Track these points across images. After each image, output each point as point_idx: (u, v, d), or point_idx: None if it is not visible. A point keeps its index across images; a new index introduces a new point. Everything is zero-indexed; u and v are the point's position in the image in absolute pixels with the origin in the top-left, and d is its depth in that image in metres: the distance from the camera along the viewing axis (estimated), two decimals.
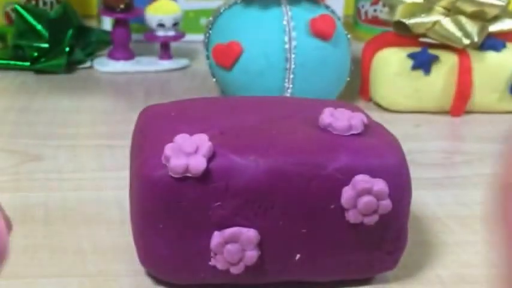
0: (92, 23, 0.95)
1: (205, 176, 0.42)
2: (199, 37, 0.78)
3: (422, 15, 0.73)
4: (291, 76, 0.68)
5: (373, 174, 0.43)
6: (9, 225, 0.25)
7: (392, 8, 0.75)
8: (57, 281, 0.46)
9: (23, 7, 0.85)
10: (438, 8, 0.74)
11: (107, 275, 0.47)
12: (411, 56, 0.73)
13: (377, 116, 0.60)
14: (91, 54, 0.86)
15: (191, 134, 0.43)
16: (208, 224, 0.42)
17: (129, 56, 0.85)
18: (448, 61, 0.73)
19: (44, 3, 0.94)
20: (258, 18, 0.70)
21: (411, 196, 0.45)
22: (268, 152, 0.43)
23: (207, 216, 0.42)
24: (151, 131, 0.46)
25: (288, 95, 0.69)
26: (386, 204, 0.43)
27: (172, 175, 0.42)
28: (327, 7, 0.72)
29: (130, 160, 0.46)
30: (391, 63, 0.74)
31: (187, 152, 0.42)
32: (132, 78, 0.82)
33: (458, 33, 0.72)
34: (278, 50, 0.68)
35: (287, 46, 0.68)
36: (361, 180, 0.42)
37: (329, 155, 0.43)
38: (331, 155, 0.43)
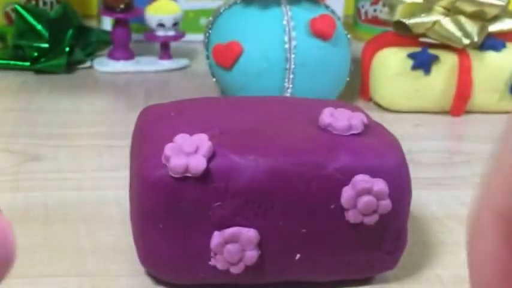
0: (92, 23, 0.95)
1: (205, 176, 0.42)
2: (199, 37, 0.78)
3: (422, 15, 0.73)
4: (291, 76, 0.68)
5: (373, 174, 0.43)
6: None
7: (392, 8, 0.75)
8: (57, 281, 0.46)
9: (23, 7, 0.85)
10: (438, 8, 0.74)
11: (106, 274, 0.47)
12: (411, 56, 0.73)
13: (377, 116, 0.60)
14: (91, 54, 0.86)
15: (191, 134, 0.43)
16: (208, 224, 0.42)
17: (129, 56, 0.85)
18: (448, 61, 0.73)
19: (44, 3, 0.94)
20: (257, 18, 0.70)
21: (411, 196, 0.45)
22: (268, 152, 0.43)
23: (207, 216, 0.42)
24: (151, 131, 0.46)
25: (288, 95, 0.69)
26: (386, 204, 0.43)
27: (172, 175, 0.42)
28: (327, 7, 0.73)
29: (130, 160, 0.46)
30: (391, 63, 0.74)
31: (187, 152, 0.42)
32: (132, 78, 0.82)
33: (458, 33, 0.72)
34: (278, 50, 0.68)
35: (287, 46, 0.68)
36: (361, 180, 0.42)
37: (329, 155, 0.43)
38: (331, 155, 0.43)
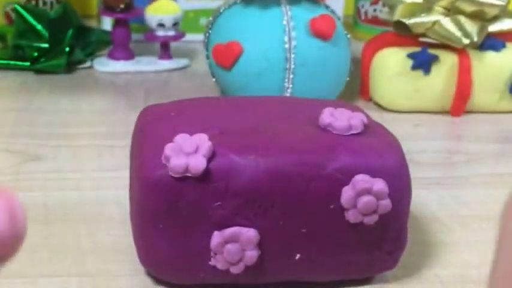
0: (92, 23, 0.95)
1: (205, 175, 0.42)
2: (199, 37, 0.78)
3: (422, 15, 0.73)
4: (291, 76, 0.68)
5: (373, 174, 0.43)
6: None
7: (392, 8, 0.75)
8: (57, 281, 0.46)
9: (23, 7, 0.85)
10: (438, 8, 0.74)
11: (106, 274, 0.47)
12: (411, 55, 0.73)
13: (377, 116, 0.60)
14: (91, 54, 0.86)
15: (191, 134, 0.43)
16: (208, 224, 0.43)
17: (129, 56, 0.85)
18: (447, 61, 0.73)
19: (44, 3, 0.94)
20: (257, 18, 0.70)
21: (411, 196, 0.45)
22: (268, 152, 0.43)
23: (207, 216, 0.42)
24: (151, 131, 0.46)
25: (288, 95, 0.69)
26: (386, 204, 0.43)
27: (172, 175, 0.42)
28: (327, 7, 0.73)
29: (130, 160, 0.46)
30: (391, 63, 0.74)
31: (187, 152, 0.42)
32: (132, 78, 0.82)
33: (458, 33, 0.72)
34: (278, 50, 0.68)
35: (287, 46, 0.68)
36: (361, 180, 0.42)
37: (329, 154, 0.43)
38: (331, 155, 0.43)
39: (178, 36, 0.83)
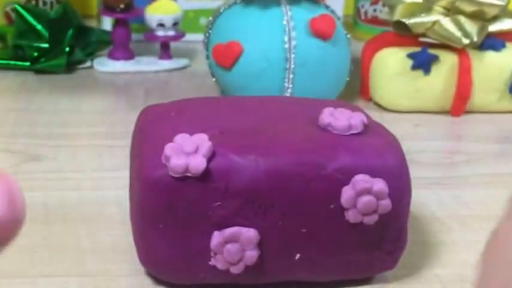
0: (92, 23, 0.95)
1: (205, 175, 0.42)
2: (199, 37, 0.78)
3: (422, 15, 0.73)
4: (291, 76, 0.68)
5: (373, 174, 0.43)
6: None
7: (392, 8, 0.75)
8: (57, 281, 0.46)
9: (23, 7, 0.85)
10: (438, 8, 0.74)
11: (106, 274, 0.47)
12: (411, 55, 0.73)
13: (377, 116, 0.60)
14: (91, 54, 0.86)
15: (191, 134, 0.43)
16: (208, 224, 0.43)
17: (129, 56, 0.85)
18: (447, 61, 0.73)
19: (44, 3, 0.94)
20: (257, 18, 0.70)
21: (411, 196, 0.45)
22: (268, 152, 0.43)
23: (207, 216, 0.42)
24: (151, 131, 0.46)
25: (288, 95, 0.69)
26: (386, 204, 0.43)
27: (173, 175, 0.42)
28: (327, 7, 0.73)
29: (130, 160, 0.46)
30: (391, 63, 0.74)
31: (187, 152, 0.42)
32: (132, 78, 0.82)
33: (458, 33, 0.72)
34: (278, 50, 0.68)
35: (287, 46, 0.68)
36: (361, 180, 0.42)
37: (329, 154, 0.43)
38: (331, 155, 0.43)
39: (178, 36, 0.83)
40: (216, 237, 0.42)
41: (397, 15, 0.74)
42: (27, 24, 0.83)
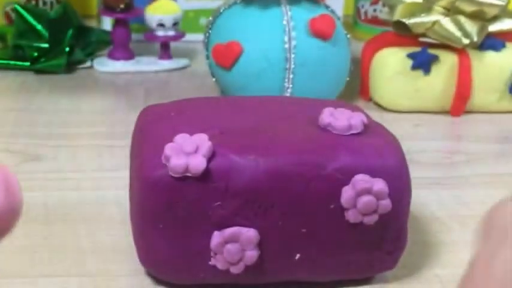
0: (92, 23, 0.95)
1: (205, 175, 0.42)
2: (199, 37, 0.78)
3: (422, 15, 0.73)
4: (291, 76, 0.68)
5: (373, 174, 0.43)
6: None
7: (392, 8, 0.75)
8: (57, 281, 0.46)
9: (23, 7, 0.85)
10: (438, 8, 0.74)
11: (106, 274, 0.47)
12: (411, 55, 0.73)
13: (377, 116, 0.60)
14: (91, 54, 0.86)
15: (191, 134, 0.43)
16: (208, 224, 0.43)
17: (129, 56, 0.85)
18: (447, 61, 0.73)
19: (44, 3, 0.94)
20: (257, 18, 0.70)
21: (411, 196, 0.45)
22: (268, 152, 0.43)
23: (207, 216, 0.42)
24: (151, 131, 0.46)
25: (288, 95, 0.69)
26: (386, 203, 0.43)
27: (173, 175, 0.42)
28: (327, 7, 0.73)
29: (130, 160, 0.46)
30: (391, 63, 0.74)
31: (187, 152, 0.42)
32: (132, 78, 0.82)
33: (458, 33, 0.72)
34: (278, 50, 0.68)
35: (287, 46, 0.68)
36: (361, 180, 0.42)
37: (329, 154, 0.43)
38: (331, 155, 0.43)
39: (178, 36, 0.83)
40: (216, 237, 0.42)
41: (397, 15, 0.74)
42: (27, 24, 0.83)
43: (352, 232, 0.44)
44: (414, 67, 0.72)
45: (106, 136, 0.67)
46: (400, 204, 0.44)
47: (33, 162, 0.62)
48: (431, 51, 0.73)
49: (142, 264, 0.45)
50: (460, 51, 0.73)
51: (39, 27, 0.83)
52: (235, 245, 0.42)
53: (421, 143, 0.68)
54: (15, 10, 0.84)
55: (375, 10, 0.95)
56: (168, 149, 0.42)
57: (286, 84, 0.69)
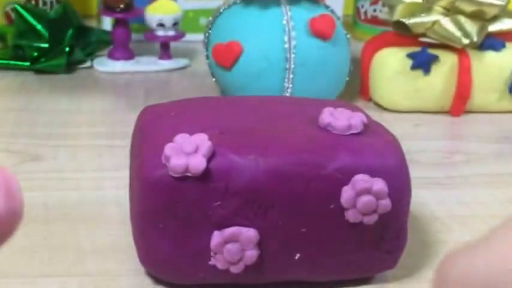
0: (92, 23, 0.95)
1: (205, 175, 0.42)
2: (199, 37, 0.78)
3: (422, 15, 0.73)
4: (291, 76, 0.68)
5: (373, 173, 0.43)
6: None
7: (391, 8, 0.75)
8: (57, 281, 0.46)
9: (23, 7, 0.85)
10: (437, 8, 0.74)
11: (106, 274, 0.47)
12: (411, 55, 0.73)
13: (376, 116, 0.60)
14: (91, 54, 0.86)
15: (191, 134, 0.43)
16: (208, 224, 0.43)
17: (129, 56, 0.85)
18: (447, 61, 0.73)
19: (44, 3, 0.94)
20: (257, 18, 0.70)
21: (411, 196, 0.45)
22: (268, 152, 0.43)
23: (207, 216, 0.42)
24: (151, 131, 0.46)
25: (288, 94, 0.69)
26: (386, 203, 0.43)
27: (172, 175, 0.42)
28: (327, 7, 0.73)
29: (130, 160, 0.46)
30: (391, 63, 0.74)
31: (187, 152, 0.42)
32: (132, 78, 0.82)
33: (458, 33, 0.72)
34: (278, 50, 0.68)
35: (287, 46, 0.68)
36: (361, 179, 0.42)
37: (329, 154, 0.43)
38: (331, 155, 0.43)
39: (178, 36, 0.83)
40: (216, 237, 0.42)
41: (397, 15, 0.74)
42: (27, 24, 0.83)
43: (352, 232, 0.44)
44: (414, 67, 0.72)
45: (106, 136, 0.67)
46: (399, 204, 0.44)
47: (33, 162, 0.62)
48: (431, 51, 0.73)
49: (142, 264, 0.45)
50: (460, 51, 0.73)
51: (39, 27, 0.83)
52: (235, 244, 0.42)
53: (420, 143, 0.68)
54: (15, 10, 0.84)
55: (374, 10, 0.95)
56: (168, 149, 0.42)
57: (286, 84, 0.69)
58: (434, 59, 0.73)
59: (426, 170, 0.63)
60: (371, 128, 0.46)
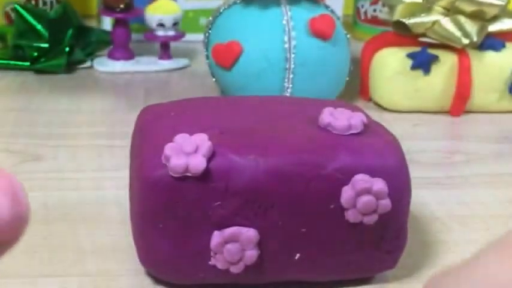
0: (92, 23, 0.95)
1: (205, 175, 0.42)
2: (199, 37, 0.78)
3: (422, 15, 0.73)
4: (291, 76, 0.68)
5: (373, 173, 0.43)
6: None
7: (391, 8, 0.75)
8: (57, 281, 0.46)
9: (23, 7, 0.85)
10: (437, 8, 0.74)
11: (106, 274, 0.47)
12: (411, 55, 0.73)
13: (376, 116, 0.60)
14: (91, 54, 0.86)
15: (191, 133, 0.43)
16: (208, 224, 0.43)
17: (129, 56, 0.85)
18: (447, 61, 0.73)
19: (44, 3, 0.94)
20: (257, 18, 0.70)
21: (411, 196, 0.45)
22: (268, 152, 0.43)
23: (207, 216, 0.42)
24: (151, 131, 0.46)
25: (288, 94, 0.69)
26: (386, 203, 0.43)
27: (172, 175, 0.42)
28: (327, 7, 0.73)
29: (130, 160, 0.46)
30: (391, 63, 0.74)
31: (187, 152, 0.42)
32: (132, 78, 0.82)
33: (458, 33, 0.72)
34: (278, 50, 0.68)
35: (287, 46, 0.68)
36: (361, 179, 0.42)
37: (329, 154, 0.43)
38: (331, 155, 0.43)
39: (178, 36, 0.83)
40: (216, 237, 0.42)
41: (397, 15, 0.74)
42: (27, 24, 0.83)
43: (352, 232, 0.44)
44: (414, 67, 0.72)
45: (106, 136, 0.67)
46: (399, 204, 0.44)
47: (33, 162, 0.62)
48: (431, 51, 0.73)
49: (142, 264, 0.45)
50: (460, 51, 0.73)
51: (39, 27, 0.83)
52: (235, 244, 0.42)
53: (420, 143, 0.68)
54: (15, 10, 0.84)
55: (374, 10, 0.95)
56: (168, 149, 0.42)
57: (286, 84, 0.69)
58: (434, 59, 0.73)
59: (426, 170, 0.63)
60: (371, 128, 0.46)
